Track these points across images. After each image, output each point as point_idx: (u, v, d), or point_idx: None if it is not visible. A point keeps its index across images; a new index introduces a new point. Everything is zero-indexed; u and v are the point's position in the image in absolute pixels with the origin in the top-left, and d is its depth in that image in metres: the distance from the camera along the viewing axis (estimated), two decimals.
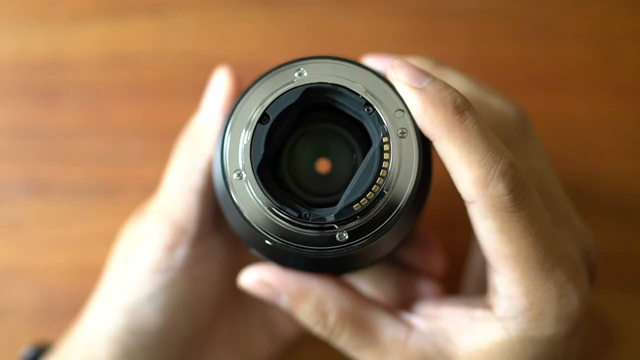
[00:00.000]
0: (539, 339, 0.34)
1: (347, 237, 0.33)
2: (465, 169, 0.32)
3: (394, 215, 0.33)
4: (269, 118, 0.33)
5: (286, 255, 0.35)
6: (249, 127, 0.33)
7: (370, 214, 0.33)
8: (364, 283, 0.45)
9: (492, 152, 0.31)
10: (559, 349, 0.35)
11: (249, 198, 0.33)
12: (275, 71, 0.34)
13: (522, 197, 0.32)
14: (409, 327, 0.37)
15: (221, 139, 0.34)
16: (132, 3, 0.56)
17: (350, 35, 0.55)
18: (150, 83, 0.55)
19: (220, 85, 0.40)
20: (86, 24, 0.55)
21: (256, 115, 0.33)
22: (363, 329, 0.37)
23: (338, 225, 0.33)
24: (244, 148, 0.33)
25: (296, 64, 0.34)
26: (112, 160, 0.54)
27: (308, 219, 0.33)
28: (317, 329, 0.37)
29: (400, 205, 0.33)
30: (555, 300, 0.34)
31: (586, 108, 0.55)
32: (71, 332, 0.42)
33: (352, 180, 0.33)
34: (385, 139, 0.33)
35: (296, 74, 0.34)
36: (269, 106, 0.33)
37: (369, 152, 0.33)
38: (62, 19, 0.56)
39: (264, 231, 0.33)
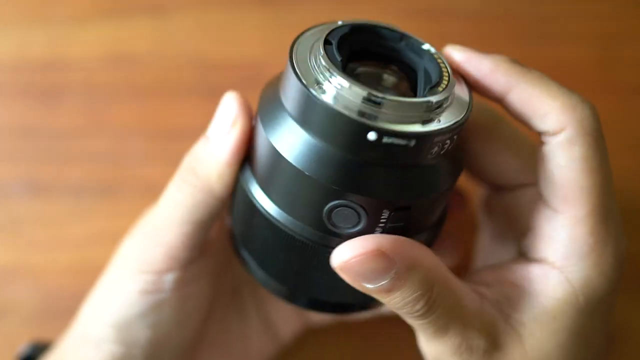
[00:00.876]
0: (599, 286, 0.34)
1: (441, 120, 0.32)
2: (551, 100, 0.33)
3: (468, 108, 0.33)
4: (331, 42, 0.33)
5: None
6: (316, 50, 0.33)
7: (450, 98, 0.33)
8: None
9: (564, 87, 0.34)
10: (611, 299, 0.35)
11: (341, 95, 0.31)
12: (315, 28, 0.35)
13: (601, 128, 0.34)
14: (481, 296, 0.35)
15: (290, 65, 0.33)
16: (132, 3, 0.56)
17: None
18: (150, 83, 0.55)
19: (229, 112, 0.36)
20: (86, 24, 0.55)
21: (318, 44, 0.33)
22: (455, 300, 0.34)
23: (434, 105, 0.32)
24: (321, 59, 0.32)
25: (322, 25, 0.35)
26: (112, 160, 0.54)
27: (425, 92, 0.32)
28: (418, 306, 0.33)
29: (470, 100, 0.34)
30: (613, 241, 0.34)
31: None
32: (63, 337, 0.42)
33: (419, 84, 0.34)
34: (432, 50, 0.34)
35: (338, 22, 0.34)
36: (328, 35, 0.33)
37: (420, 66, 0.34)
38: (62, 19, 0.56)
39: (365, 121, 0.31)
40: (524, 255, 0.37)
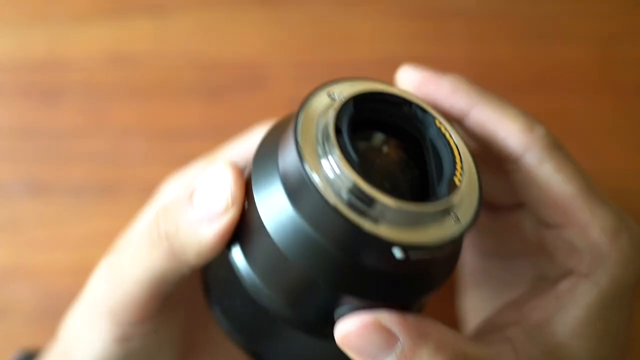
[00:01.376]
0: (624, 278, 0.34)
1: (459, 220, 0.30)
2: (511, 122, 0.34)
3: (479, 195, 0.31)
4: (341, 130, 0.30)
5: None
6: (329, 144, 0.29)
7: (463, 187, 0.30)
8: None
9: (519, 109, 0.34)
10: (634, 285, 0.35)
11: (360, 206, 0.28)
12: (307, 101, 0.31)
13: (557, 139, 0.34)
14: (509, 343, 0.34)
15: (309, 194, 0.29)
16: (133, 3, 0.56)
17: (351, 35, 0.55)
18: (150, 83, 0.55)
19: (223, 190, 0.32)
20: (86, 24, 0.55)
21: (326, 134, 0.30)
22: None
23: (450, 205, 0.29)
24: (340, 170, 0.29)
25: (322, 88, 0.32)
26: (112, 160, 0.54)
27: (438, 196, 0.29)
28: None
29: (479, 183, 0.32)
30: (625, 228, 0.34)
31: (586, 108, 0.55)
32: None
33: (429, 165, 0.31)
34: (437, 122, 0.32)
35: (328, 96, 0.32)
36: (336, 120, 0.30)
37: (426, 137, 0.32)
38: (62, 19, 0.56)
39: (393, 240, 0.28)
40: (543, 277, 0.37)
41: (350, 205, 0.28)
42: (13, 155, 0.54)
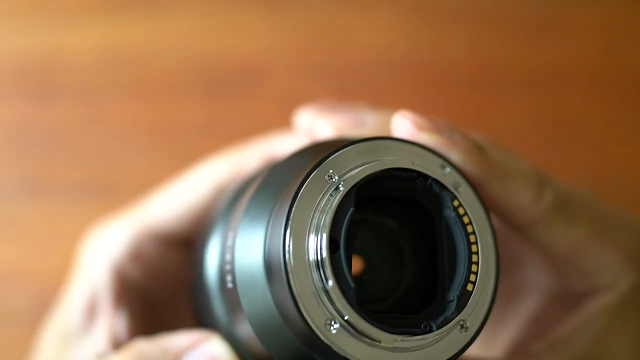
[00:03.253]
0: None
1: (468, 326, 0.27)
2: (518, 196, 0.32)
3: (495, 284, 0.28)
4: (337, 244, 0.26)
5: None
6: (322, 266, 0.26)
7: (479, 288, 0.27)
8: None
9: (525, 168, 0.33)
10: None
11: (350, 341, 0.26)
12: (303, 186, 0.27)
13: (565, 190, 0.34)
14: (535, 358, 0.34)
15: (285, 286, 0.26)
16: (132, 2, 0.55)
17: (351, 35, 0.55)
18: (149, 82, 0.54)
19: None
20: (84, 23, 0.55)
21: (318, 247, 0.26)
22: None
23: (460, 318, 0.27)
24: (330, 290, 0.26)
25: (321, 166, 0.28)
26: (110, 160, 0.53)
27: (431, 329, 0.26)
28: None
29: (495, 270, 0.29)
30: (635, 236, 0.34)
31: (589, 107, 0.54)
32: None
33: (440, 261, 0.28)
34: (456, 203, 0.28)
35: (328, 178, 0.28)
36: (330, 231, 0.26)
37: (441, 218, 0.28)
38: (60, 18, 0.55)
39: None
40: (557, 291, 0.37)
41: (341, 330, 0.26)
42: (11, 154, 0.54)
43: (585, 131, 0.54)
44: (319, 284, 0.26)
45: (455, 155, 0.30)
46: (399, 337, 0.25)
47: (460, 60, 0.54)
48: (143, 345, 0.33)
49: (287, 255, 0.26)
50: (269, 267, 0.27)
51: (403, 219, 0.30)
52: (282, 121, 0.49)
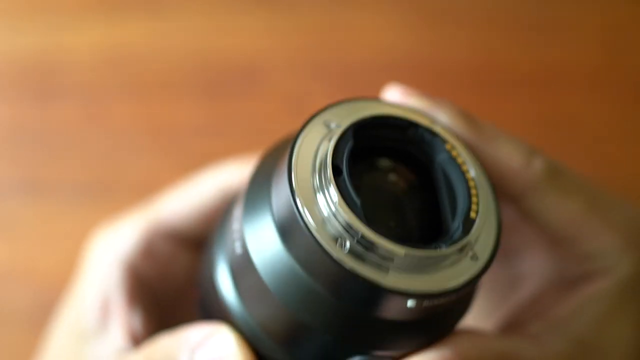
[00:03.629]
0: None
1: (476, 260, 0.27)
2: (507, 160, 0.32)
3: (497, 218, 0.29)
4: (340, 170, 0.27)
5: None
6: (328, 185, 0.27)
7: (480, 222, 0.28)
8: None
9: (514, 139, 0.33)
10: None
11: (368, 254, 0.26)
12: (303, 130, 0.29)
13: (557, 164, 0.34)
14: (533, 337, 0.34)
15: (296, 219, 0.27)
16: (132, 2, 0.56)
17: (350, 35, 0.55)
18: (149, 83, 0.54)
19: None
20: (85, 24, 0.55)
21: (323, 172, 0.27)
22: None
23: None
24: (341, 216, 0.26)
25: (319, 115, 0.29)
26: (110, 160, 0.53)
27: (441, 248, 0.27)
28: None
29: (495, 204, 0.30)
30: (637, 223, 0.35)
31: (589, 107, 0.54)
32: None
33: (440, 195, 0.29)
34: (448, 146, 0.29)
35: (326, 125, 0.29)
36: (333, 157, 0.27)
37: (436, 163, 0.29)
38: (61, 18, 0.55)
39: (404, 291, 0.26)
40: (558, 277, 0.37)
41: (353, 252, 0.26)
42: (11, 154, 0.54)
43: (585, 131, 0.54)
44: (326, 209, 0.26)
45: (443, 116, 0.32)
46: (409, 249, 0.26)
47: (460, 60, 0.54)
48: (164, 342, 0.33)
49: (294, 185, 0.26)
50: (278, 209, 0.27)
51: (399, 170, 0.30)
52: (282, 121, 0.49)
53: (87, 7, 0.55)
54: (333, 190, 0.26)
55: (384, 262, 0.26)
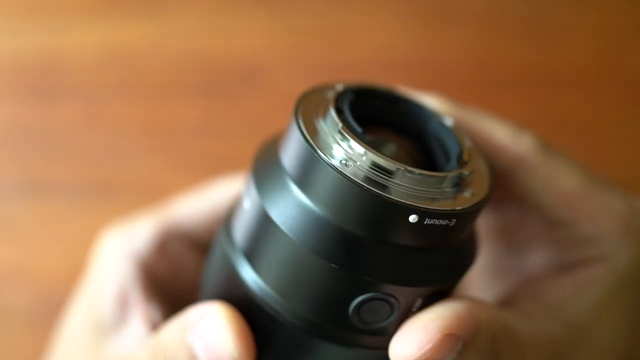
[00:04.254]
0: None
1: (472, 195, 0.29)
2: (496, 135, 0.34)
3: (491, 174, 0.31)
4: (342, 111, 0.29)
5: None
6: (332, 122, 0.29)
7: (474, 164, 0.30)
8: None
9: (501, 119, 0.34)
10: None
11: (368, 171, 0.28)
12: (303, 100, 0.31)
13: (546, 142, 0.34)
14: (527, 317, 0.34)
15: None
16: (132, 3, 0.56)
17: (351, 35, 0.55)
18: (149, 83, 0.54)
19: (225, 344, 0.31)
20: (85, 24, 0.55)
21: (327, 114, 0.29)
22: (514, 339, 0.32)
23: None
24: (343, 132, 0.28)
25: (318, 88, 0.32)
26: (110, 160, 0.54)
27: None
28: None
29: (489, 166, 0.31)
30: (637, 214, 0.34)
31: (589, 107, 0.54)
32: None
33: (434, 152, 0.31)
34: (437, 116, 0.32)
35: (325, 92, 0.31)
36: (337, 100, 0.30)
37: (428, 131, 0.32)
38: (60, 18, 0.55)
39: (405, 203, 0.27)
40: (557, 265, 0.37)
41: (361, 176, 0.28)
42: (11, 154, 0.54)
43: (585, 131, 0.54)
44: (338, 148, 0.28)
45: (430, 100, 0.34)
46: (408, 167, 0.27)
47: (458, 60, 0.54)
48: (170, 326, 0.34)
49: (303, 130, 0.28)
50: (298, 176, 0.29)
51: (394, 136, 0.32)
52: (282, 121, 0.49)
53: (87, 8, 0.56)
54: (336, 122, 0.28)
55: (388, 183, 0.27)
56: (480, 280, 0.42)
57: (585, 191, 0.34)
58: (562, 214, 0.35)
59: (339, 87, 0.31)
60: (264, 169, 0.31)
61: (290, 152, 0.29)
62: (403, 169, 0.27)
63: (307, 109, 0.30)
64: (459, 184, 0.29)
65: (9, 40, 0.55)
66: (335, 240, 0.28)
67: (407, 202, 0.27)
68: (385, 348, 0.30)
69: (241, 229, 0.32)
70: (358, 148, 0.28)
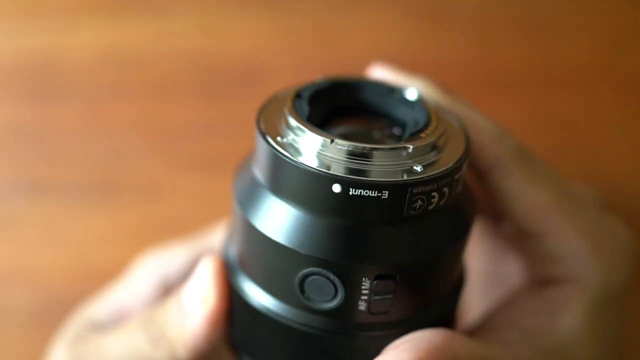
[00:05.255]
0: (617, 282, 0.34)
1: (421, 169, 0.28)
2: (479, 134, 0.34)
3: (463, 155, 0.30)
4: (300, 95, 0.31)
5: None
6: (287, 110, 0.31)
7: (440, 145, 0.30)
8: None
9: (486, 116, 0.35)
10: (624, 291, 0.35)
11: (307, 147, 0.29)
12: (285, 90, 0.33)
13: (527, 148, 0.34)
14: (505, 344, 0.34)
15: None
16: (132, 2, 0.56)
17: (351, 35, 0.55)
18: (149, 83, 0.54)
19: (202, 282, 0.34)
20: (84, 23, 0.55)
21: (289, 105, 0.31)
22: None
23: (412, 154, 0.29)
24: (286, 113, 0.30)
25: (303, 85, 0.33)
26: (110, 161, 0.54)
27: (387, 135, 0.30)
28: None
29: (466, 147, 0.31)
30: (608, 232, 0.34)
31: (589, 107, 0.54)
32: None
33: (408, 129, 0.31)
34: (414, 96, 0.32)
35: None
36: (299, 92, 0.32)
37: (394, 110, 0.33)
38: (61, 18, 0.56)
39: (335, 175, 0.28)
40: (532, 279, 0.37)
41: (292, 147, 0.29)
42: (11, 154, 0.54)
43: (585, 131, 0.54)
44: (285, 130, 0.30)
45: (419, 85, 0.34)
46: (337, 139, 0.28)
47: (458, 60, 0.54)
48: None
49: (262, 127, 0.31)
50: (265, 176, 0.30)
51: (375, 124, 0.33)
52: None
53: (87, 8, 0.56)
54: (289, 109, 0.30)
55: (324, 157, 0.28)
56: (478, 286, 0.42)
57: (556, 205, 0.34)
58: (531, 224, 0.34)
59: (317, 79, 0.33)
60: (242, 183, 0.32)
61: (258, 158, 0.31)
62: (332, 139, 0.28)
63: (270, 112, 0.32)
64: (417, 158, 0.28)
65: (9, 40, 0.55)
66: (278, 216, 0.29)
67: (326, 172, 0.27)
68: (336, 332, 0.30)
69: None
70: (298, 127, 0.29)
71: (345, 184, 0.27)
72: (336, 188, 0.27)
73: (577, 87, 0.55)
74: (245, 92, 0.54)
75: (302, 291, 0.29)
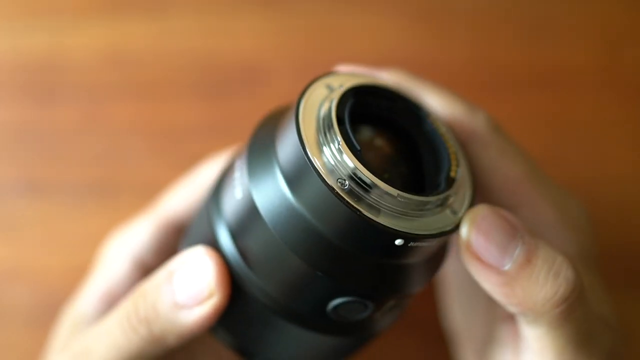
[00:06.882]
0: (590, 251, 0.36)
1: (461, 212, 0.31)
2: (452, 109, 0.35)
3: (473, 187, 0.32)
4: (343, 120, 0.30)
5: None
6: (332, 132, 0.29)
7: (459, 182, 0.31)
8: None
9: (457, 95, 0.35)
10: (595, 252, 0.37)
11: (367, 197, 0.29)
12: (305, 93, 0.31)
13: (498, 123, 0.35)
14: None
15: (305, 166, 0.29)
16: (132, 2, 0.56)
17: (351, 35, 0.55)
18: (149, 83, 0.55)
19: (204, 277, 0.32)
20: (85, 23, 0.55)
21: (327, 122, 0.30)
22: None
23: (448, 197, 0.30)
24: (342, 157, 0.29)
25: (319, 80, 0.32)
26: (110, 161, 0.54)
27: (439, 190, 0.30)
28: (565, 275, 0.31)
29: (472, 176, 0.33)
30: (576, 205, 0.37)
31: (590, 107, 0.54)
32: None
33: (425, 158, 0.32)
34: (431, 119, 0.33)
35: (328, 88, 0.32)
36: (338, 107, 0.30)
37: (422, 131, 0.32)
38: (60, 18, 0.56)
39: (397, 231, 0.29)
40: None
41: (351, 192, 0.28)
42: (11, 154, 0.54)
43: (585, 131, 0.54)
44: (331, 157, 0.29)
45: (387, 76, 0.35)
46: (401, 192, 0.28)
47: (458, 60, 0.54)
48: (153, 276, 0.34)
49: (303, 138, 0.29)
50: (289, 174, 0.29)
51: (386, 135, 0.33)
52: None
53: (87, 8, 0.56)
54: (337, 136, 0.29)
55: (377, 203, 0.28)
56: (459, 294, 0.43)
57: (528, 178, 0.35)
58: (505, 197, 0.35)
59: (341, 86, 0.31)
60: (259, 149, 0.31)
61: (286, 148, 0.30)
62: (390, 190, 0.28)
63: (308, 110, 0.30)
64: (443, 204, 0.30)
65: (9, 40, 0.55)
66: (319, 248, 0.29)
67: (395, 228, 0.28)
68: (347, 336, 0.33)
69: (228, 201, 0.33)
70: (351, 163, 0.28)
71: (408, 239, 0.29)
72: (399, 242, 0.29)
73: (576, 88, 0.55)
74: (245, 92, 0.54)
75: (335, 311, 0.31)
